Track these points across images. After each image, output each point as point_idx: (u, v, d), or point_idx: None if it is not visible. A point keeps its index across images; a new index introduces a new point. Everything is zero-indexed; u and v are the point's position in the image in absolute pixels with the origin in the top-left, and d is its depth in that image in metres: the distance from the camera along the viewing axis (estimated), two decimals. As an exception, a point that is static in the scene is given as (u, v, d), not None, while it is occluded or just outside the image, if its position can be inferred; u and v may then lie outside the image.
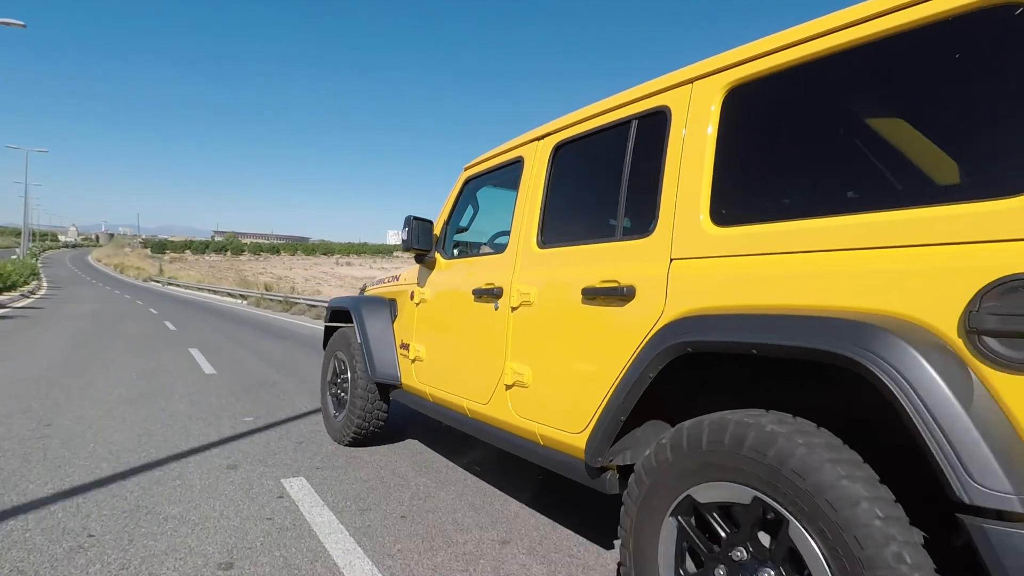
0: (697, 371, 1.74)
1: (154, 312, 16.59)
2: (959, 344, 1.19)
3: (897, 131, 1.46)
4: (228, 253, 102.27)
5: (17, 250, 57.04)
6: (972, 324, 1.16)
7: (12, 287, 22.21)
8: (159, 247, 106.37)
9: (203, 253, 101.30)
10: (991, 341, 1.15)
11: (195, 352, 8.21)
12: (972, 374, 1.17)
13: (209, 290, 32.98)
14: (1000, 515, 1.09)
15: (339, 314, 4.18)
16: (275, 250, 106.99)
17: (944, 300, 1.21)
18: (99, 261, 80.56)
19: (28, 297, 22.26)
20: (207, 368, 6.90)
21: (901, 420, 1.18)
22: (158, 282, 46.34)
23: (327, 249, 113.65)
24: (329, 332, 4.36)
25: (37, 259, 69.61)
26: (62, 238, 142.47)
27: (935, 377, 1.15)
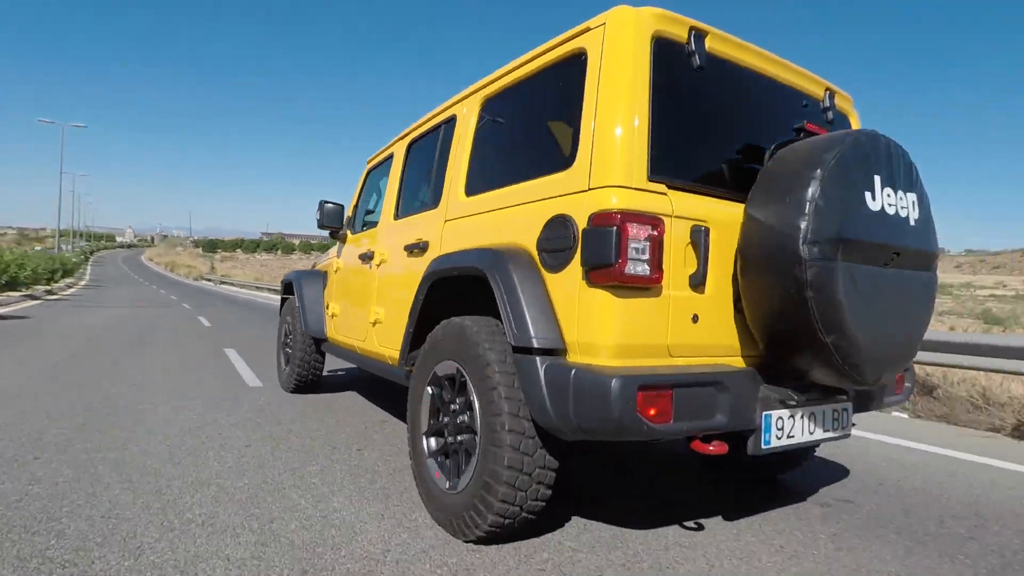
0: (455, 294, 2.55)
1: (204, 324, 10.61)
2: (535, 257, 1.99)
3: (547, 131, 2.26)
4: (279, 252, 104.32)
5: (64, 246, 51.05)
6: (538, 246, 1.97)
7: (15, 285, 17.76)
8: (210, 246, 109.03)
9: (254, 252, 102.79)
10: (543, 254, 1.95)
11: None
12: (539, 274, 1.96)
13: (269, 289, 27.13)
14: (546, 352, 1.89)
15: (289, 286, 5.06)
16: (324, 248, 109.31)
17: (531, 233, 2.01)
18: (151, 260, 79.69)
19: (33, 301, 15.83)
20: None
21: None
22: (210, 280, 42.12)
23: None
24: (284, 302, 5.25)
25: (88, 258, 68.72)
26: (119, 239, 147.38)
27: (514, 276, 1.95)
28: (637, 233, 1.73)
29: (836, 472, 3.14)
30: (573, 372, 1.74)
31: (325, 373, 5.26)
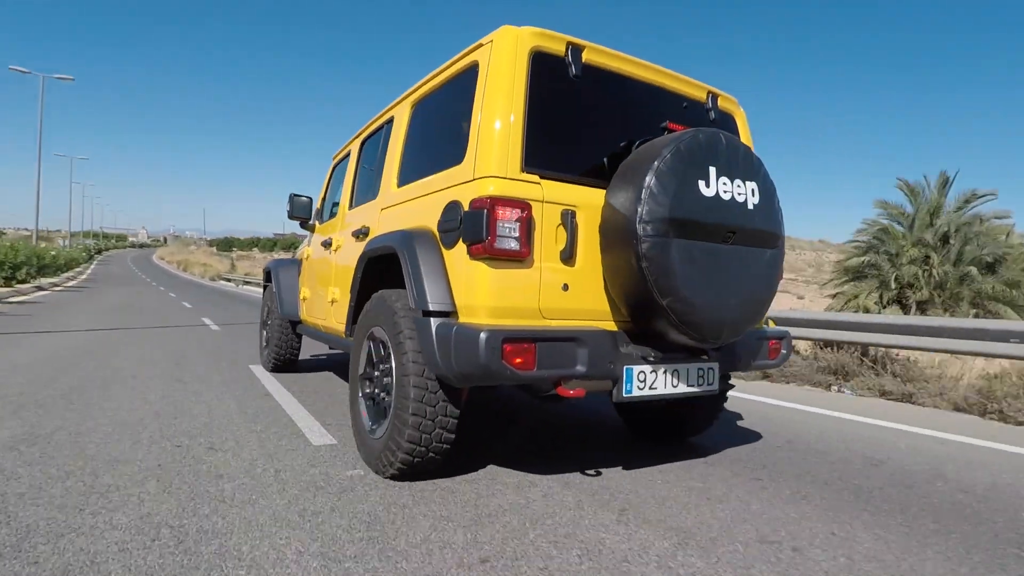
0: (386, 272, 2.93)
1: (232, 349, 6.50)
2: (437, 237, 2.37)
3: (458, 131, 2.63)
4: (295, 251, 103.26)
5: (62, 242, 51.08)
6: (439, 227, 2.35)
7: None
8: (225, 245, 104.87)
9: (271, 251, 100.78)
10: (441, 234, 2.33)
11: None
12: (438, 251, 2.34)
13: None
14: (440, 315, 2.27)
15: (269, 274, 5.48)
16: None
17: (435, 216, 2.39)
18: (162, 259, 72.50)
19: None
20: None
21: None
22: (230, 281, 35.67)
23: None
24: (265, 288, 5.67)
25: (94, 256, 61.90)
26: (131, 239, 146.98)
27: (417, 252, 2.34)
28: (506, 215, 2.11)
29: (744, 435, 3.51)
30: (455, 328, 2.13)
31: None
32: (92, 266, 46.35)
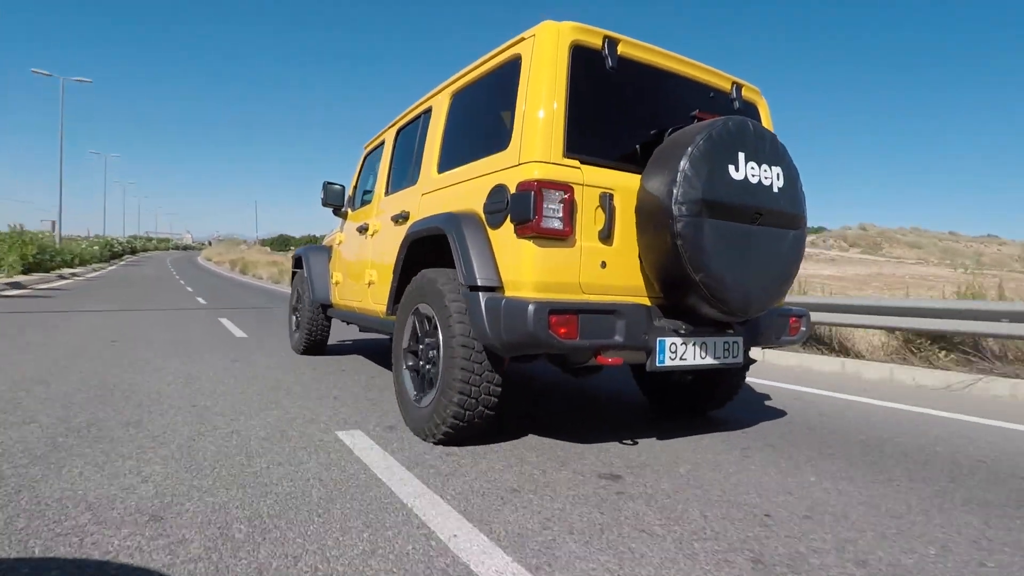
0: (429, 253, 3.11)
1: None
2: (482, 218, 2.55)
3: (498, 120, 2.81)
4: None
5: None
6: (485, 208, 2.53)
7: None
8: (280, 243, 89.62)
9: None
10: (487, 215, 2.51)
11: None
12: (484, 231, 2.52)
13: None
14: (488, 289, 2.45)
15: (299, 260, 5.68)
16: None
17: (480, 199, 2.57)
18: (209, 260, 55.29)
19: None
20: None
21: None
22: None
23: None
24: (295, 275, 5.88)
25: (118, 255, 48.48)
26: (174, 240, 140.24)
27: (465, 233, 2.52)
28: (551, 196, 2.29)
29: (760, 413, 3.68)
30: (503, 301, 2.31)
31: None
32: (112, 267, 33.88)
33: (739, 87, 3.05)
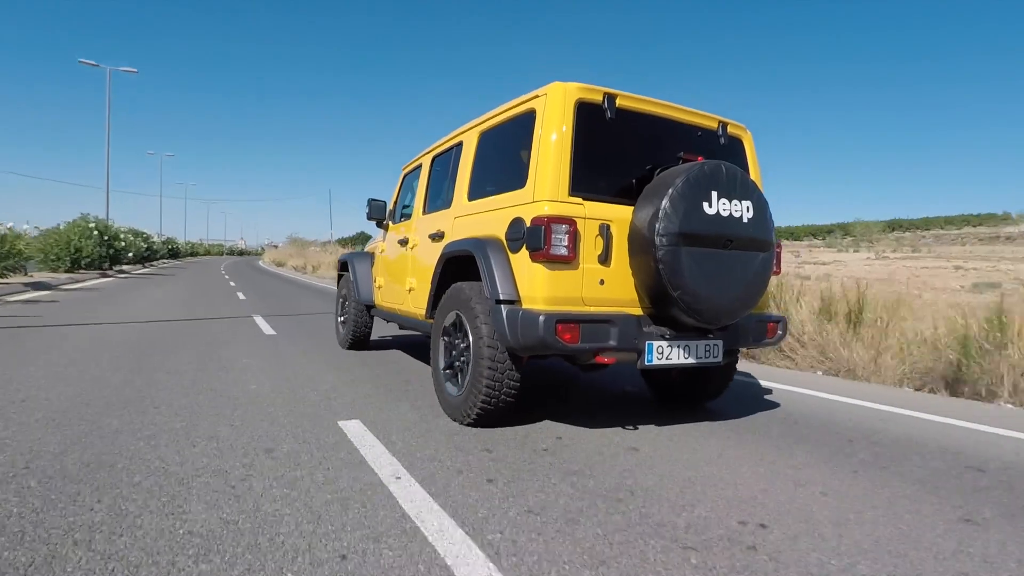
0: (460, 268, 3.72)
1: None
2: (504, 244, 3.14)
3: (517, 159, 3.39)
4: None
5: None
6: (506, 236, 3.12)
7: None
8: (361, 241, 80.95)
9: None
10: (508, 242, 3.10)
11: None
12: (506, 255, 3.11)
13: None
14: (508, 303, 3.04)
15: (344, 265, 6.38)
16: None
17: (502, 227, 3.16)
18: (272, 262, 45.81)
19: None
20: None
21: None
22: None
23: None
24: (340, 278, 6.58)
25: (152, 258, 33.73)
26: (228, 245, 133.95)
27: (490, 256, 3.11)
28: (558, 229, 2.86)
29: (751, 405, 4.21)
30: (520, 312, 2.90)
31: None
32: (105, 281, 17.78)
33: (725, 125, 3.56)
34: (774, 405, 4.15)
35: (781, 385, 4.91)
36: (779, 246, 3.62)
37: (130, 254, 25.92)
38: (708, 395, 3.95)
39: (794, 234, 67.90)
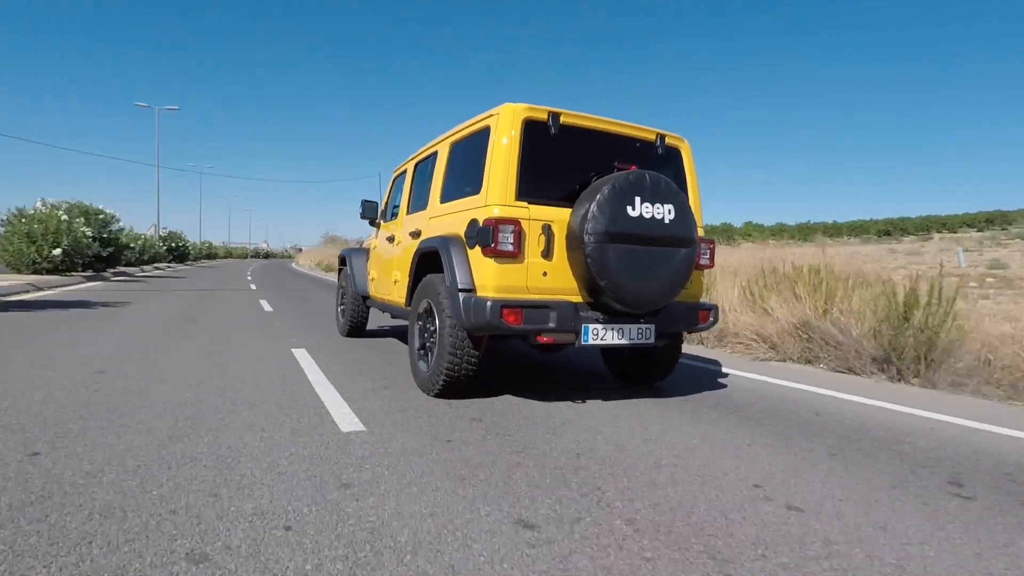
0: (432, 262, 4.26)
1: None
2: (464, 241, 3.68)
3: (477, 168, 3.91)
4: None
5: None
6: (465, 234, 3.66)
7: None
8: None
9: None
10: (467, 239, 3.64)
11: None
12: (465, 251, 3.65)
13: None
14: (465, 291, 3.58)
15: (343, 259, 6.97)
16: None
17: (462, 227, 3.70)
18: (309, 264, 40.62)
19: None
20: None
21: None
22: None
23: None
24: (340, 271, 7.18)
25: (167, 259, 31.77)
26: (251, 247, 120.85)
27: (452, 251, 3.66)
28: (505, 229, 3.40)
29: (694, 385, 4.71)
30: (473, 299, 3.44)
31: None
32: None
33: (663, 137, 4.06)
34: (718, 387, 4.64)
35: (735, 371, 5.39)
36: (712, 243, 4.13)
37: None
38: (655, 375, 4.46)
39: (947, 224, 55.77)
